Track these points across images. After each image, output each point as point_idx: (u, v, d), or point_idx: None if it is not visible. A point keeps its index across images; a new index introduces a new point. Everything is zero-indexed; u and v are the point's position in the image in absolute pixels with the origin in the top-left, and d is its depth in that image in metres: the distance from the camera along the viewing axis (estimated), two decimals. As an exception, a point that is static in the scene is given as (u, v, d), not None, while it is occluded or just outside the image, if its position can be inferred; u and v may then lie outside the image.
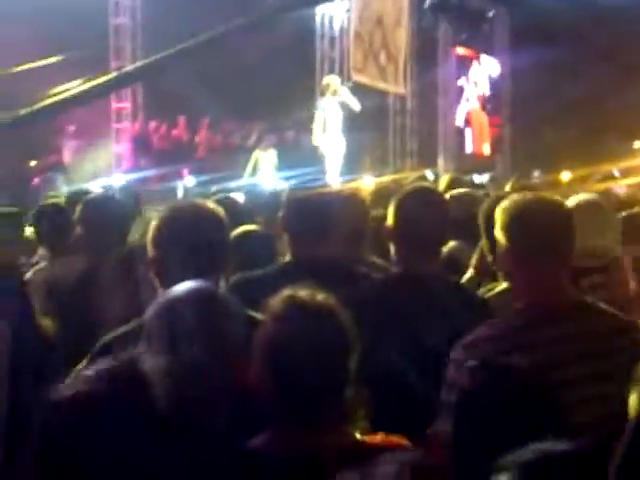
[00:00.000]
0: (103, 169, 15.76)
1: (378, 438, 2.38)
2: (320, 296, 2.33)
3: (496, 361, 2.24)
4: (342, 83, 16.63)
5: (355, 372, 2.31)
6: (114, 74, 13.55)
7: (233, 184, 13.05)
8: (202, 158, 17.33)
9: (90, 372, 2.02)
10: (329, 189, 3.80)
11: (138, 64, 15.15)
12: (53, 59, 15.16)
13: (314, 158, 16.81)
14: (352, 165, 16.66)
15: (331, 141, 16.18)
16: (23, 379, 2.88)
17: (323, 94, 16.47)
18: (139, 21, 17.67)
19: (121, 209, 4.66)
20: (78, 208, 4.56)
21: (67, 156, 16.80)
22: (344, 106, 16.08)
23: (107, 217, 4.45)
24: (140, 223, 6.12)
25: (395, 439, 2.44)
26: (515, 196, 2.90)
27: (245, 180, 15.61)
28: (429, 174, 14.77)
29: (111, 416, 1.90)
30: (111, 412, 1.91)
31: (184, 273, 2.49)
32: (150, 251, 2.75)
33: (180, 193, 15.12)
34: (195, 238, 2.69)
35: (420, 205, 3.42)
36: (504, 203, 2.86)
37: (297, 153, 17.31)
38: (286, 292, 2.34)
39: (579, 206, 3.42)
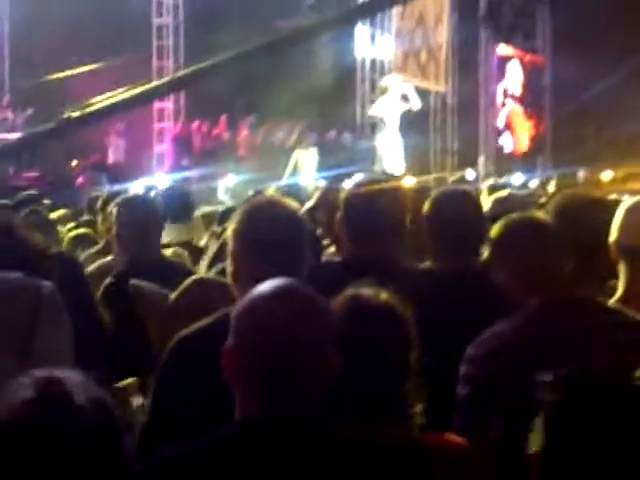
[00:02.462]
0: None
1: (434, 437, 2.40)
2: (382, 294, 2.35)
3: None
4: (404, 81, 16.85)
5: (415, 368, 2.33)
6: (160, 81, 13.68)
7: (274, 183, 13.11)
8: (243, 157, 17.39)
9: None
10: (379, 187, 3.79)
11: (182, 72, 15.25)
12: (94, 65, 15.31)
13: (355, 157, 16.85)
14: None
15: (389, 141, 16.30)
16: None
17: (383, 94, 16.65)
18: (181, 20, 17.81)
19: (152, 210, 4.67)
20: (114, 210, 4.59)
21: (112, 155, 16.96)
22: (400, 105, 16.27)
23: (137, 218, 4.47)
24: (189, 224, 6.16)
25: (452, 438, 2.45)
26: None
27: (286, 179, 15.67)
28: (470, 174, 14.74)
29: None
30: None
31: (263, 268, 2.50)
32: (230, 244, 2.76)
33: (221, 192, 15.18)
34: (277, 234, 2.68)
35: (451, 204, 3.53)
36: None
37: (338, 153, 17.34)
38: (349, 290, 2.36)
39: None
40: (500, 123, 21.12)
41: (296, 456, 1.96)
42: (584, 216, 3.35)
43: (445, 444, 2.40)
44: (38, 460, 1.72)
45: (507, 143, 21.39)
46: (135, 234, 4.38)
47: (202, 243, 6.06)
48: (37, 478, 1.73)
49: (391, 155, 16.52)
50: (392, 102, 16.47)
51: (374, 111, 16.94)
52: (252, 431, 1.98)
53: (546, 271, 2.89)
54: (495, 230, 3.02)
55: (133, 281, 3.71)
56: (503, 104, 21.24)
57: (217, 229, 5.82)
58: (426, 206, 3.53)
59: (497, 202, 4.79)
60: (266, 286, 2.05)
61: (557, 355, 2.70)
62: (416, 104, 16.72)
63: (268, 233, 2.69)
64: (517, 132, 21.67)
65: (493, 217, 3.57)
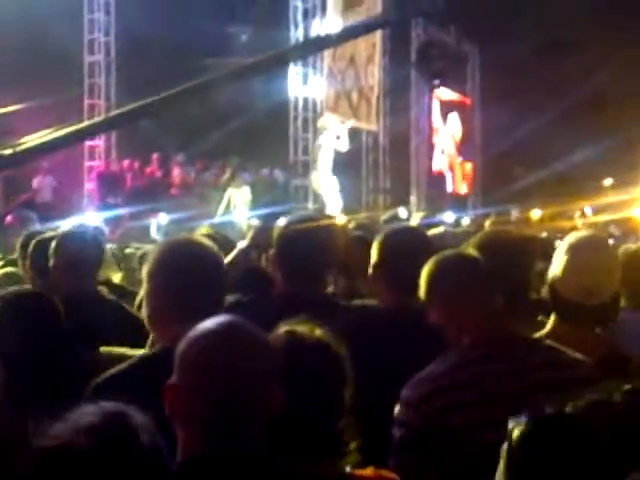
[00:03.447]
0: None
1: (368, 472, 2.39)
2: (317, 330, 2.35)
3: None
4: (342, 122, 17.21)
5: (349, 405, 2.33)
6: (92, 121, 13.60)
7: (207, 222, 13.07)
8: (176, 195, 17.32)
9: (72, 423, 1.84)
10: (313, 224, 3.78)
11: (115, 112, 15.19)
12: (24, 105, 15.13)
13: (288, 196, 16.92)
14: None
15: (325, 179, 16.52)
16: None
17: (321, 133, 16.96)
18: (113, 57, 17.76)
19: (96, 244, 4.60)
20: (54, 242, 4.52)
21: (42, 194, 16.75)
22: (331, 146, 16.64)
23: (82, 251, 4.41)
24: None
25: (386, 474, 2.44)
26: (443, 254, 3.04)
27: (219, 217, 15.65)
28: (402, 212, 14.87)
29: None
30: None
31: (180, 308, 2.49)
32: (145, 285, 2.72)
33: (154, 231, 15.08)
34: (193, 273, 2.65)
35: (405, 241, 3.50)
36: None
37: (271, 191, 17.38)
38: (284, 326, 2.35)
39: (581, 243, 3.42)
40: (442, 166, 21.41)
41: None
42: (509, 253, 3.37)
43: None
44: None
45: (449, 185, 21.72)
46: (71, 267, 4.32)
47: (116, 281, 6.08)
48: None
49: (328, 194, 16.70)
50: (328, 141, 16.72)
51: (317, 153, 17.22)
52: (198, 469, 1.95)
53: (479, 308, 2.90)
54: (428, 266, 3.01)
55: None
56: (442, 151, 21.53)
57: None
58: (376, 242, 3.53)
59: (432, 239, 4.83)
60: (210, 322, 2.04)
61: (491, 396, 2.71)
62: (344, 146, 17.01)
63: (184, 272, 2.65)
64: (456, 174, 22.00)
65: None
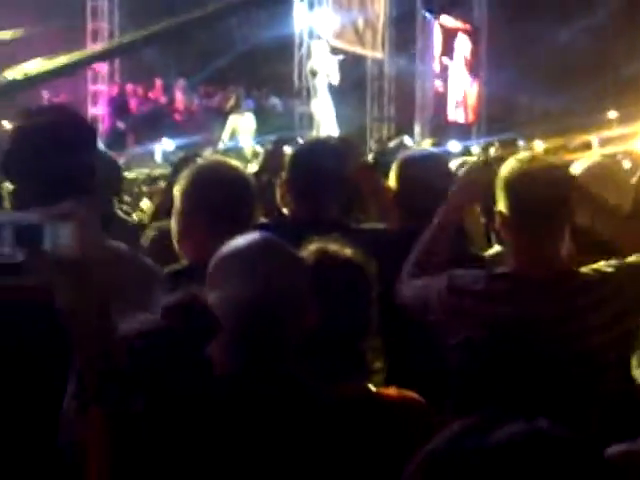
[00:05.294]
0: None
1: (392, 392, 2.42)
2: (347, 249, 2.38)
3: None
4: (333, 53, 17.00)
5: (375, 324, 2.36)
6: (92, 51, 13.44)
7: (211, 148, 13.06)
8: (179, 121, 17.23)
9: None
10: (326, 148, 3.77)
11: (116, 41, 15.06)
12: (22, 30, 14.95)
13: (291, 123, 16.86)
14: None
15: (323, 106, 16.38)
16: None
17: (311, 57, 16.75)
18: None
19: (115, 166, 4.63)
20: None
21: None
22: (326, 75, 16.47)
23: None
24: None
25: (409, 394, 2.48)
26: (516, 161, 2.76)
27: (223, 144, 15.61)
28: (408, 140, 14.83)
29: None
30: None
31: (214, 227, 2.54)
32: (178, 204, 2.78)
33: (158, 156, 15.07)
34: (227, 194, 2.73)
35: (424, 165, 3.53)
36: (505, 168, 2.74)
37: (275, 118, 17.30)
38: (315, 245, 2.38)
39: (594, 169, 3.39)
40: (457, 97, 21.24)
41: (281, 413, 1.95)
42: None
43: (404, 400, 2.41)
44: None
45: (460, 115, 21.57)
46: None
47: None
48: None
49: (325, 121, 16.61)
50: (322, 69, 16.61)
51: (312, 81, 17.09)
52: (229, 387, 1.96)
53: (555, 230, 2.73)
54: (513, 173, 2.71)
55: None
56: (456, 83, 21.32)
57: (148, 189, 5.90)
58: (395, 168, 3.52)
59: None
60: (244, 238, 2.05)
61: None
62: (335, 79, 16.90)
63: (219, 193, 2.73)
64: (469, 107, 21.87)
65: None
